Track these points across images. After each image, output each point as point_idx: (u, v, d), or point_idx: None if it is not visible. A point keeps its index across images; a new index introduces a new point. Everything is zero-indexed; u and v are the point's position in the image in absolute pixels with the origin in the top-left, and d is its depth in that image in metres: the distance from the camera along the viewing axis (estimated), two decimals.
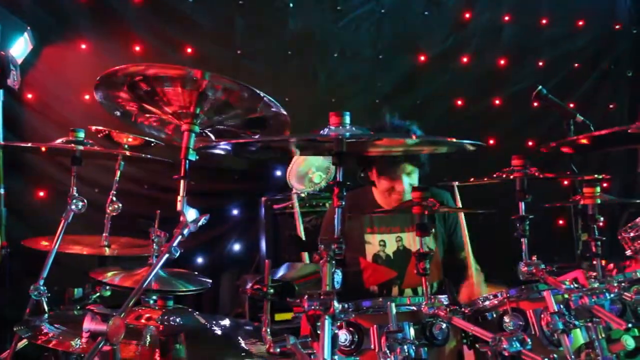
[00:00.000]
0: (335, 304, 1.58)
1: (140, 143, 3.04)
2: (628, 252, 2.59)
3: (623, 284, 2.14)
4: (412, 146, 2.31)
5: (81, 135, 2.72)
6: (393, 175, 3.03)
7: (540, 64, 5.16)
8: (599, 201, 2.35)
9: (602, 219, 2.33)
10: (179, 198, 1.79)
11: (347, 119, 1.78)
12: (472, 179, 2.79)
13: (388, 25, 4.88)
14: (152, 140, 2.97)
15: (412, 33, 4.95)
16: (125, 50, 4.28)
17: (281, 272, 1.99)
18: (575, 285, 2.05)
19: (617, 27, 5.32)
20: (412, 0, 4.95)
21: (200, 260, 4.48)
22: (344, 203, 1.76)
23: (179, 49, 4.42)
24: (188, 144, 1.86)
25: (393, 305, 1.90)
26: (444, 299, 2.05)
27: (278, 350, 1.71)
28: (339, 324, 1.72)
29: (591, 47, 5.26)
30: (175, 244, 1.74)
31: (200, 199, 4.27)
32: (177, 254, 1.74)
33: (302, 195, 4.13)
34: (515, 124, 5.07)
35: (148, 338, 1.99)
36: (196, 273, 2.76)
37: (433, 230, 3.10)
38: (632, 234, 2.58)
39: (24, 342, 2.40)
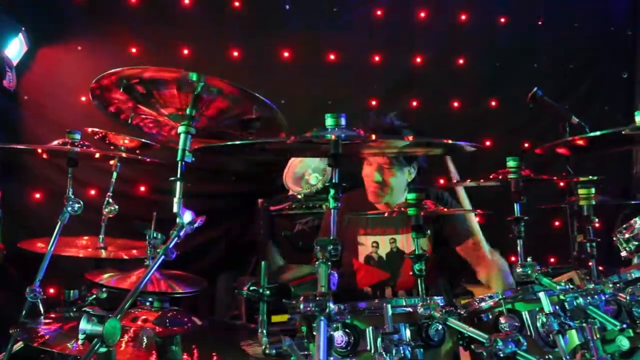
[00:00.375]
0: (331, 305, 1.58)
1: (137, 145, 3.04)
2: (623, 254, 2.60)
3: (618, 285, 2.14)
4: (407, 148, 2.32)
5: (77, 137, 2.73)
6: (380, 166, 3.06)
7: (536, 65, 5.17)
8: (593, 202, 2.36)
9: (597, 220, 2.34)
10: (175, 200, 1.79)
11: (343, 121, 1.79)
12: (468, 181, 2.81)
13: (384, 27, 4.89)
14: (149, 142, 2.97)
15: (409, 34, 4.96)
16: (121, 51, 4.28)
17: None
18: (571, 286, 2.06)
19: (612, 28, 5.33)
20: (408, 2, 4.95)
21: (196, 262, 4.47)
22: (340, 204, 1.76)
23: (175, 50, 4.42)
24: (184, 145, 1.86)
25: (389, 306, 1.90)
26: (439, 300, 2.05)
27: (274, 351, 1.71)
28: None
29: (586, 48, 5.26)
30: (171, 245, 1.74)
31: (197, 201, 4.27)
32: (174, 256, 1.74)
33: (299, 196, 4.13)
34: (511, 126, 5.07)
35: (145, 340, 1.99)
36: (193, 275, 2.75)
37: (428, 231, 3.10)
38: (627, 235, 2.58)
39: (20, 344, 2.39)
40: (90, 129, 3.04)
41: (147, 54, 4.31)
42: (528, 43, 5.16)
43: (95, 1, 4.32)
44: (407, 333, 1.93)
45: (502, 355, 1.79)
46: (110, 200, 2.96)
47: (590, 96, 5.26)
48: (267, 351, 1.72)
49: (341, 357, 1.87)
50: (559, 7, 5.16)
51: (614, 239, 2.68)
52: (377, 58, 4.87)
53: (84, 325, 1.48)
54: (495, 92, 5.08)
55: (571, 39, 5.20)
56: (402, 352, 1.82)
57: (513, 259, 3.61)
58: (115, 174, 3.01)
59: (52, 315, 2.50)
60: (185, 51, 4.45)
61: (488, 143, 4.94)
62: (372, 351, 1.87)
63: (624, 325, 1.94)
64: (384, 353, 1.83)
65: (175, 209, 1.78)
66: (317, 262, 1.68)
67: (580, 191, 2.37)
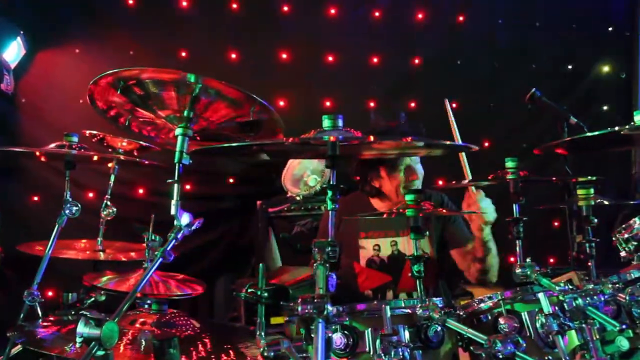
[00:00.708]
0: (329, 307, 1.57)
1: (135, 147, 3.03)
2: (622, 254, 2.59)
3: (617, 285, 2.14)
4: (407, 149, 2.31)
5: (75, 139, 2.73)
6: (406, 166, 3.06)
7: (534, 66, 5.17)
8: (592, 203, 2.35)
9: (596, 220, 2.33)
10: (173, 202, 1.79)
11: (340, 122, 1.79)
12: (464, 182, 2.81)
13: (382, 28, 4.89)
14: (147, 144, 2.97)
15: (407, 36, 4.96)
16: (119, 54, 4.28)
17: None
18: (570, 287, 2.05)
19: (610, 29, 5.34)
20: (406, 3, 4.95)
21: (195, 264, 4.46)
22: (338, 206, 1.76)
23: (173, 52, 4.42)
24: (181, 148, 1.85)
25: (388, 308, 1.90)
26: (438, 301, 2.05)
27: (272, 354, 1.71)
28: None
29: (585, 49, 5.27)
30: (169, 248, 1.73)
31: (196, 203, 4.28)
32: (172, 258, 1.74)
33: (298, 198, 4.13)
34: (510, 127, 5.07)
35: (143, 342, 1.98)
36: (191, 277, 2.75)
37: (427, 233, 3.10)
38: (626, 236, 2.58)
39: (18, 347, 2.38)
40: (87, 132, 3.04)
41: (145, 56, 4.31)
42: (526, 44, 5.16)
43: (93, 4, 4.31)
44: (406, 334, 1.93)
45: (501, 356, 1.78)
46: (109, 202, 2.96)
47: (589, 97, 5.27)
48: (266, 353, 1.72)
49: (340, 358, 1.87)
50: (557, 8, 5.16)
51: (614, 239, 2.68)
52: (375, 59, 4.87)
53: (81, 328, 1.47)
54: (493, 93, 5.08)
55: (570, 40, 5.21)
56: (401, 353, 1.82)
57: (512, 259, 3.62)
58: (113, 177, 3.00)
59: (51, 319, 2.49)
60: (183, 54, 4.45)
61: (486, 144, 4.94)
62: (371, 353, 1.86)
63: (624, 326, 1.94)
64: (382, 355, 1.82)
65: (173, 211, 1.77)
66: (315, 264, 1.67)
67: (579, 191, 2.37)
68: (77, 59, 4.25)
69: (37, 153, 2.99)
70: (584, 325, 1.92)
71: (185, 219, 1.77)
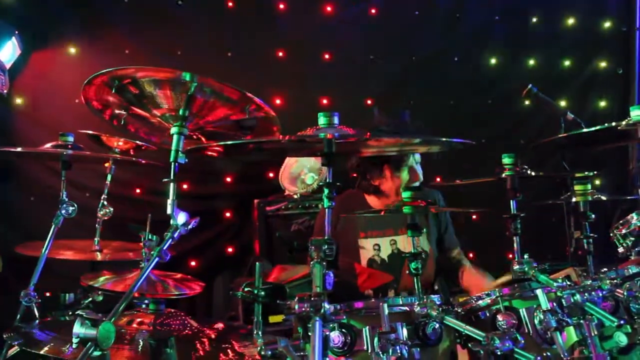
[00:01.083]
0: (326, 305, 1.57)
1: (131, 147, 3.02)
2: (620, 250, 2.59)
3: (615, 281, 2.14)
4: (404, 146, 2.31)
5: (70, 139, 2.72)
6: (409, 166, 3.07)
7: (531, 62, 5.17)
8: (590, 198, 2.35)
9: (593, 216, 2.33)
10: (169, 201, 1.78)
11: (336, 120, 1.78)
12: (457, 181, 2.81)
13: (379, 26, 4.88)
14: (143, 143, 2.96)
15: (403, 33, 4.95)
16: (114, 53, 4.26)
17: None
18: (568, 283, 2.05)
19: (607, 25, 5.34)
20: (403, 0, 4.95)
21: (193, 263, 4.46)
22: (334, 204, 1.75)
23: (168, 51, 4.40)
24: (177, 146, 1.85)
25: (385, 305, 1.89)
26: (436, 298, 2.05)
27: (269, 352, 1.70)
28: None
29: (581, 45, 5.28)
30: (165, 247, 1.73)
31: (193, 202, 4.27)
32: (168, 258, 1.73)
33: (295, 196, 4.12)
34: (507, 123, 5.07)
35: (140, 342, 1.98)
36: (189, 276, 2.74)
37: (425, 230, 3.10)
38: (624, 231, 2.58)
39: (15, 349, 2.37)
40: (83, 131, 3.03)
41: (140, 55, 4.29)
42: (523, 39, 5.16)
43: (87, 3, 4.30)
44: (404, 332, 1.92)
45: (499, 353, 1.78)
46: (105, 202, 2.95)
47: (586, 92, 5.27)
48: (263, 352, 1.71)
49: (338, 357, 1.86)
50: (554, 4, 5.16)
51: (611, 235, 2.68)
52: (372, 57, 4.86)
53: (77, 328, 1.47)
54: (490, 89, 5.08)
55: (566, 35, 5.21)
56: (399, 351, 1.81)
57: (510, 256, 3.62)
58: (109, 176, 2.99)
59: (48, 319, 2.48)
60: (179, 52, 4.43)
61: (483, 140, 4.93)
62: (369, 351, 1.86)
63: (622, 322, 1.94)
64: (381, 352, 1.82)
65: (169, 211, 1.77)
66: (311, 262, 1.67)
67: (577, 187, 2.37)
68: (72, 58, 4.23)
69: (33, 153, 2.98)
70: (582, 321, 1.91)
71: (181, 218, 1.76)
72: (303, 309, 1.56)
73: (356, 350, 1.86)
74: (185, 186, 4.31)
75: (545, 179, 3.70)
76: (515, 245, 2.13)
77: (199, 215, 1.80)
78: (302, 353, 1.69)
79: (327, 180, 1.77)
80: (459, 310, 2.09)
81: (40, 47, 4.19)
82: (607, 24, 5.33)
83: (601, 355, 1.88)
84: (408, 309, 2.00)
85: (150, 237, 2.39)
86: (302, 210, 4.12)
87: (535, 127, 4.88)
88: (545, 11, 5.19)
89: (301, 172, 4.13)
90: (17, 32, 3.92)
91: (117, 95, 1.90)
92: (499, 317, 2.00)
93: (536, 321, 1.99)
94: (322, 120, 1.79)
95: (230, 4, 4.53)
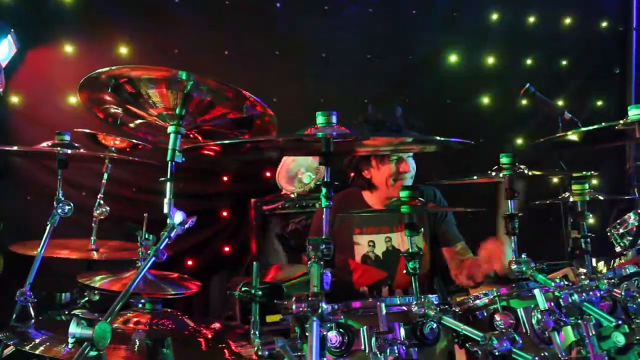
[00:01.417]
0: (324, 305, 1.56)
1: (127, 145, 3.02)
2: (617, 249, 2.60)
3: (613, 281, 2.14)
4: (401, 144, 2.30)
5: (67, 138, 2.71)
6: (396, 158, 3.03)
7: (529, 62, 5.17)
8: (587, 198, 2.35)
9: (591, 215, 2.33)
10: (166, 200, 1.77)
11: (334, 119, 1.77)
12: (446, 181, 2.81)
13: (376, 25, 4.87)
14: (139, 142, 2.95)
15: (401, 32, 4.95)
16: (110, 52, 4.25)
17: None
18: (566, 283, 2.05)
19: (604, 24, 5.34)
20: (400, 1, 4.94)
21: (190, 262, 4.45)
22: (332, 204, 1.75)
23: (165, 50, 4.39)
24: (174, 145, 1.84)
25: (383, 305, 1.89)
26: (434, 298, 2.04)
27: (266, 353, 1.69)
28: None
29: (579, 44, 5.28)
30: (162, 246, 1.72)
31: (190, 201, 4.25)
32: (164, 257, 1.72)
33: (292, 195, 4.12)
34: (504, 122, 5.08)
35: (137, 342, 1.97)
36: (186, 276, 2.73)
37: (422, 229, 3.10)
38: (621, 230, 2.58)
39: (11, 348, 2.36)
40: (80, 130, 3.02)
41: (137, 54, 4.28)
42: (520, 39, 5.16)
43: (84, 1, 4.28)
44: (402, 332, 1.92)
45: (497, 353, 1.77)
46: (102, 201, 2.94)
47: (583, 92, 5.28)
48: (260, 352, 1.70)
49: (335, 357, 1.86)
50: (551, 3, 5.16)
51: (608, 234, 2.68)
52: (369, 56, 4.85)
53: (73, 328, 1.46)
54: (487, 89, 5.08)
55: (563, 35, 5.21)
56: (396, 351, 1.81)
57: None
58: (106, 175, 2.98)
59: (43, 319, 2.47)
60: (176, 50, 4.42)
61: (481, 140, 4.94)
62: (367, 351, 1.85)
63: (620, 322, 1.94)
64: (378, 352, 1.81)
65: (165, 210, 1.76)
66: (309, 262, 1.66)
67: (574, 187, 2.36)
68: (68, 56, 4.21)
69: (29, 152, 2.97)
70: (580, 321, 1.91)
71: (178, 217, 1.75)
72: (300, 309, 1.56)
73: (354, 350, 1.86)
74: (180, 185, 4.28)
75: (542, 178, 3.71)
76: (513, 244, 2.13)
77: (196, 214, 1.79)
78: (299, 353, 1.69)
79: (325, 180, 1.76)
80: (457, 310, 2.08)
81: (36, 45, 4.17)
82: (604, 24, 5.34)
83: (599, 355, 1.87)
84: (406, 309, 1.99)
85: (146, 236, 2.39)
86: (299, 210, 4.11)
87: (533, 126, 4.88)
88: (542, 11, 5.19)
89: (298, 172, 4.12)
90: (12, 30, 3.91)
91: (113, 94, 1.89)
92: (497, 317, 2.00)
93: (534, 321, 1.98)
94: (320, 119, 1.78)
95: (227, 2, 4.52)
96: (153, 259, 1.71)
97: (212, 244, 4.55)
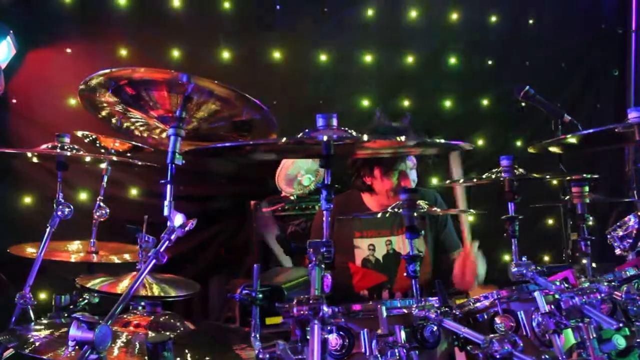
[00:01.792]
0: (325, 308, 1.56)
1: (128, 148, 3.01)
2: (617, 252, 2.59)
3: (613, 283, 2.13)
4: (401, 148, 2.30)
5: (66, 140, 2.70)
6: (399, 172, 3.04)
7: (527, 64, 5.18)
8: (587, 200, 2.35)
9: (591, 218, 2.33)
10: (166, 203, 1.77)
11: (334, 121, 1.77)
12: (448, 181, 2.81)
13: (375, 27, 4.88)
14: (139, 144, 2.94)
15: (400, 34, 4.95)
16: (110, 54, 4.25)
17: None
18: (566, 285, 2.04)
19: (603, 26, 5.35)
20: (399, 1, 4.94)
21: (189, 265, 4.44)
22: (332, 206, 1.75)
23: (165, 52, 4.39)
24: (174, 148, 1.83)
25: (384, 308, 1.88)
26: (434, 301, 2.04)
27: (267, 356, 1.69)
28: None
29: (578, 47, 5.29)
30: (162, 249, 1.72)
31: (189, 203, 4.25)
32: (165, 260, 1.72)
33: (292, 198, 4.12)
34: (503, 124, 5.08)
35: (137, 345, 1.96)
36: (185, 278, 2.73)
37: (422, 232, 3.09)
38: (621, 233, 2.58)
39: (10, 351, 2.36)
40: (80, 132, 3.01)
41: (137, 56, 4.28)
42: (519, 41, 5.17)
43: (84, 3, 4.28)
44: (402, 335, 1.91)
45: (498, 356, 1.77)
46: (102, 204, 2.94)
47: (582, 94, 5.29)
48: (261, 356, 1.70)
49: None
50: (550, 6, 5.17)
51: (608, 237, 2.68)
52: (368, 58, 4.86)
53: (73, 332, 1.45)
54: (487, 91, 5.08)
55: (562, 37, 5.22)
56: (397, 354, 1.80)
57: (507, 257, 3.62)
58: (106, 177, 2.98)
59: (43, 322, 2.47)
60: (176, 53, 4.42)
61: (480, 142, 4.94)
62: (367, 354, 1.85)
63: (620, 324, 1.93)
64: (378, 355, 1.81)
65: (166, 212, 1.76)
66: (310, 265, 1.66)
67: (574, 189, 2.36)
68: (68, 58, 4.21)
69: (29, 154, 2.97)
70: (580, 324, 1.91)
71: (178, 219, 1.75)
72: (302, 312, 1.55)
73: (354, 354, 1.86)
74: (180, 187, 4.29)
75: (542, 181, 3.70)
76: (513, 247, 2.12)
77: (195, 217, 1.79)
78: (300, 356, 1.68)
79: (326, 183, 1.76)
80: (457, 313, 2.08)
81: (35, 47, 4.17)
82: (603, 26, 5.35)
83: (599, 358, 1.87)
84: (406, 312, 1.99)
85: (146, 238, 2.38)
86: (298, 212, 4.11)
87: (532, 129, 4.89)
88: (542, 12, 5.20)
89: (298, 174, 4.13)
90: (12, 31, 3.90)
91: (114, 96, 1.88)
92: (497, 320, 2.00)
93: (534, 324, 1.98)
94: (320, 121, 1.77)
95: (226, 4, 4.52)
96: (153, 261, 1.70)
97: (211, 246, 4.55)
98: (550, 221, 5.05)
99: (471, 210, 2.65)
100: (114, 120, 2.05)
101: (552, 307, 1.96)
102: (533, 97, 3.66)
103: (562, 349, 1.88)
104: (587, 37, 5.31)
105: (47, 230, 2.54)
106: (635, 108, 2.23)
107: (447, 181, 2.90)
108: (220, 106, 1.89)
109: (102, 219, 2.94)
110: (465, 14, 5.05)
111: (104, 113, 2.01)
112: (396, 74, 4.97)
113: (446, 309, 1.99)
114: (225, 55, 4.53)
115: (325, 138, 1.71)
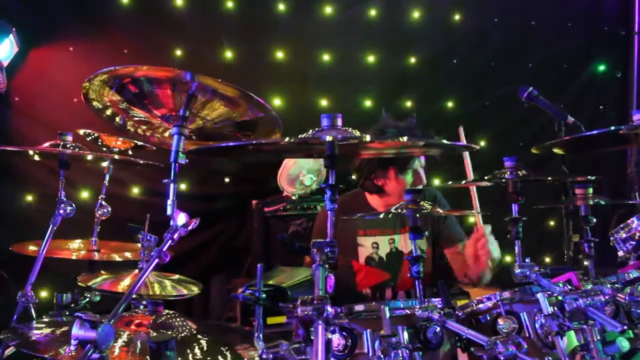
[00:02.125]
0: (329, 308, 1.55)
1: (130, 146, 3.01)
2: (620, 254, 2.58)
3: (616, 285, 2.13)
4: (404, 149, 2.29)
5: (69, 138, 2.70)
6: (414, 169, 3.04)
7: (530, 65, 5.17)
8: (591, 202, 2.35)
9: (594, 220, 2.33)
10: (169, 202, 1.76)
11: (339, 121, 1.76)
12: (448, 183, 2.80)
13: (378, 27, 4.87)
14: (142, 143, 2.94)
15: (403, 35, 4.95)
16: (113, 52, 4.25)
17: None
18: (569, 287, 2.04)
19: (605, 28, 5.34)
20: (402, 2, 4.94)
21: (190, 264, 4.43)
22: (336, 206, 1.74)
23: (167, 51, 4.39)
24: (177, 147, 1.83)
25: (387, 309, 1.88)
26: (437, 302, 2.03)
27: (271, 356, 1.68)
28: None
29: (580, 48, 5.28)
30: (165, 248, 1.71)
31: (191, 202, 4.25)
32: (168, 259, 1.71)
33: (293, 197, 4.11)
34: (506, 126, 5.07)
35: (139, 345, 1.96)
36: (186, 277, 2.72)
37: (426, 232, 3.09)
38: (624, 235, 2.57)
39: (11, 349, 2.35)
40: (82, 131, 3.01)
41: (139, 54, 4.27)
42: (522, 42, 5.16)
43: (86, 1, 4.28)
44: (405, 335, 1.91)
45: (502, 358, 1.76)
46: (103, 202, 2.93)
47: (584, 95, 5.28)
48: (264, 356, 1.70)
49: None
50: (552, 7, 5.17)
51: (610, 239, 2.67)
52: (371, 58, 4.85)
53: (76, 330, 1.45)
54: (489, 92, 5.08)
55: (565, 39, 5.22)
56: (400, 355, 1.80)
57: (508, 259, 3.62)
58: (107, 176, 2.97)
59: (45, 320, 2.46)
60: (178, 52, 4.42)
61: (483, 143, 4.94)
62: (370, 354, 1.85)
63: (624, 327, 1.93)
64: (382, 356, 1.81)
65: (168, 211, 1.75)
66: (313, 265, 1.65)
67: (578, 191, 2.36)
68: (71, 56, 4.20)
69: (31, 152, 2.96)
70: (584, 326, 1.90)
71: (181, 219, 1.74)
72: (306, 313, 1.55)
73: (357, 354, 1.85)
74: (183, 186, 4.30)
75: (544, 182, 3.69)
76: (516, 248, 2.12)
77: (197, 216, 1.78)
78: (303, 357, 1.68)
79: (330, 183, 1.75)
80: (460, 314, 2.07)
81: (38, 45, 4.17)
82: (606, 28, 5.34)
83: None
84: (409, 313, 1.98)
85: (148, 237, 2.38)
86: (300, 212, 4.11)
87: (535, 130, 4.88)
88: (544, 14, 5.19)
89: (300, 174, 4.13)
90: (14, 29, 3.90)
91: (117, 94, 1.88)
92: (500, 321, 1.99)
93: (537, 325, 1.98)
94: (325, 121, 1.76)
95: (229, 4, 4.52)
96: (156, 260, 1.70)
97: (212, 245, 4.55)
98: (552, 223, 5.04)
99: (473, 212, 2.65)
100: (117, 119, 2.05)
101: (555, 308, 1.95)
102: (536, 98, 3.65)
103: (565, 351, 1.87)
104: (589, 38, 5.30)
105: (50, 228, 2.53)
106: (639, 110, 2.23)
107: (450, 181, 2.90)
108: (223, 105, 1.88)
109: (103, 218, 2.93)
110: (467, 15, 5.04)
111: (108, 112, 2.00)
112: (399, 74, 4.96)
113: (449, 310, 1.98)
114: (228, 54, 4.53)
115: (329, 138, 1.70)
